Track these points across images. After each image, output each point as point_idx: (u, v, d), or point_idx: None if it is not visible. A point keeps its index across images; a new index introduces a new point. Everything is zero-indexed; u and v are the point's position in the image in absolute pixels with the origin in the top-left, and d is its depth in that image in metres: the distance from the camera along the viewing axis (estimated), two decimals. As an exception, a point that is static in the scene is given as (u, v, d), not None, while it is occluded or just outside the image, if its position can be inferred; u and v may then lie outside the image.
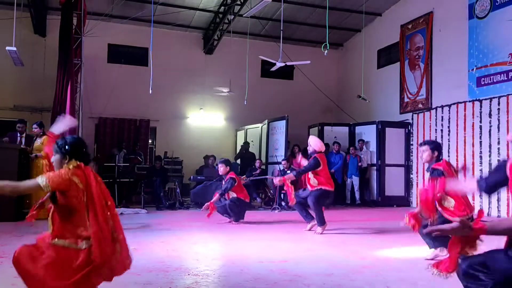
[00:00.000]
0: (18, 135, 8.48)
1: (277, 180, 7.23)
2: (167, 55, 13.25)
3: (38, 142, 7.90)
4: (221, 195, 7.80)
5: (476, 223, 2.08)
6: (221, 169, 8.04)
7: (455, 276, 3.91)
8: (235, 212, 7.83)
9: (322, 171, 6.68)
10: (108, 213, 2.79)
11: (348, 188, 12.12)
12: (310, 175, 6.70)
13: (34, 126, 8.10)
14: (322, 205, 6.66)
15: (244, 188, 8.21)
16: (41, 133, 7.95)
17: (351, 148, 12.10)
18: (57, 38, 10.69)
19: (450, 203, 4.42)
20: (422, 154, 4.76)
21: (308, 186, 6.78)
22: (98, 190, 2.78)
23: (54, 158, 2.88)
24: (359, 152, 12.14)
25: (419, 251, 5.32)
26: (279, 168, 11.00)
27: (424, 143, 4.83)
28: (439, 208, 4.47)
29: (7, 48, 9.16)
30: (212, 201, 7.71)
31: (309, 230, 6.79)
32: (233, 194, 7.86)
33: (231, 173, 7.95)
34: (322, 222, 6.59)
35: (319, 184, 6.63)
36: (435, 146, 4.72)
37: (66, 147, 2.86)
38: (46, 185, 2.65)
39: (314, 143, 6.90)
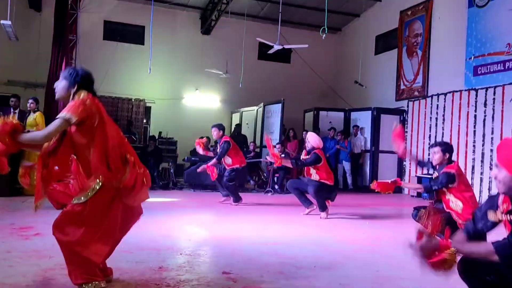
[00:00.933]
0: (11, 110, 8.40)
1: (270, 158, 7.05)
2: (164, 34, 13.11)
3: (31, 117, 7.84)
4: (218, 160, 7.62)
5: (441, 242, 2.25)
6: (214, 133, 7.84)
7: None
8: (233, 190, 7.73)
9: (322, 167, 6.67)
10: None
11: (340, 173, 12.19)
12: (312, 170, 6.69)
13: (30, 101, 8.03)
14: (323, 196, 6.64)
15: (240, 151, 8.03)
16: (36, 109, 7.89)
17: (338, 134, 12.13)
18: (53, 13, 10.54)
19: (458, 206, 4.40)
20: (433, 156, 4.68)
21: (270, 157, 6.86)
22: (108, 118, 2.80)
23: (60, 85, 2.82)
24: (354, 138, 12.17)
25: (409, 236, 5.39)
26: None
27: (436, 144, 4.73)
28: (447, 210, 4.44)
29: (2, 22, 9.02)
30: (208, 164, 7.67)
31: (307, 214, 6.80)
32: (228, 160, 7.71)
33: (225, 137, 7.80)
34: (323, 207, 6.60)
35: (320, 179, 6.63)
36: (447, 148, 4.62)
37: (77, 76, 2.82)
38: (70, 116, 2.60)
39: (313, 139, 6.87)
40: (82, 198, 2.66)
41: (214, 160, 7.68)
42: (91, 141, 2.70)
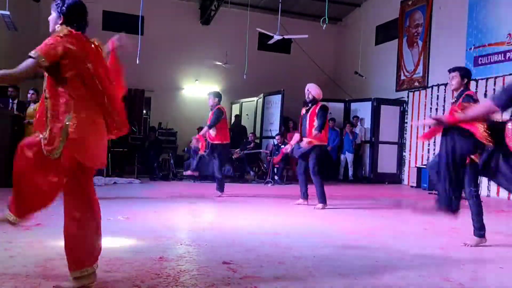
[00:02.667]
0: (10, 100, 8.39)
1: (305, 143, 6.50)
2: (163, 25, 13.06)
3: (31, 108, 7.83)
4: (209, 127, 7.44)
5: (448, 117, 2.80)
6: (210, 100, 7.72)
7: (441, 253, 3.99)
8: (219, 179, 7.56)
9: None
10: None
11: (342, 164, 12.19)
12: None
13: (31, 92, 8.04)
14: (321, 170, 6.51)
15: (227, 128, 7.82)
16: (36, 100, 7.88)
17: (347, 125, 12.12)
18: (51, 3, 10.47)
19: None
20: (450, 81, 4.48)
21: (305, 140, 6.47)
22: (97, 60, 2.61)
23: (51, 17, 2.65)
24: (355, 128, 12.17)
25: (408, 227, 5.40)
26: (273, 143, 11.03)
27: (454, 69, 4.53)
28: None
29: (0, 12, 8.98)
30: (200, 134, 7.60)
31: (297, 204, 6.77)
32: (212, 132, 7.45)
33: (219, 106, 7.63)
34: (323, 199, 6.51)
35: (321, 140, 6.47)
36: (465, 73, 4.45)
37: (63, 6, 2.61)
38: (39, 56, 2.39)
39: (314, 90, 6.70)
40: None
41: (205, 128, 7.49)
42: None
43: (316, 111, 6.59)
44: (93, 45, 2.69)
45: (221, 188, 7.58)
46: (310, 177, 6.63)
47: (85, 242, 2.63)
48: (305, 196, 6.84)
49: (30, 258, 3.21)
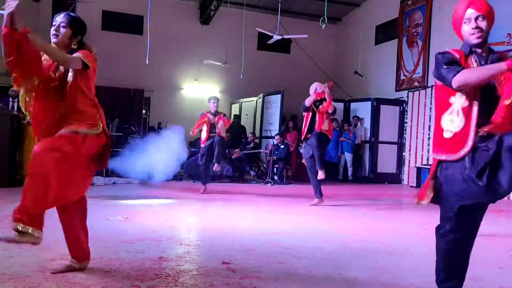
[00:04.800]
0: (10, 99, 8.39)
1: (323, 87, 6.89)
2: (162, 24, 13.04)
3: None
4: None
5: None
6: (214, 105, 8.09)
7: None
8: (205, 170, 7.93)
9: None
10: None
11: (341, 164, 12.20)
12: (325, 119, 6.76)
13: None
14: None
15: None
16: None
17: (345, 125, 12.12)
18: (50, 3, 10.47)
19: None
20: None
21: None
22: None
23: (63, 31, 2.75)
24: (353, 128, 12.17)
25: (408, 227, 5.40)
26: (273, 143, 11.03)
27: None
28: None
29: (0, 12, 8.97)
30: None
31: (313, 205, 6.73)
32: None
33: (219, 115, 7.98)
34: (319, 193, 6.63)
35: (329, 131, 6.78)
36: None
37: (81, 25, 2.81)
38: (87, 61, 2.65)
39: (320, 88, 6.93)
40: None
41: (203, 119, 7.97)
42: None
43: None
44: None
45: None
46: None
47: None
48: (319, 193, 6.81)
49: (29, 258, 3.20)
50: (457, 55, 2.31)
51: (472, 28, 2.22)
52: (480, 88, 2.18)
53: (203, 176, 8.04)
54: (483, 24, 2.19)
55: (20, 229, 2.37)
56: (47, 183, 2.43)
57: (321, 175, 6.53)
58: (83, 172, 2.74)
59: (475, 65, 2.27)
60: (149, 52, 9.50)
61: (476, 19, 2.21)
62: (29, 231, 2.37)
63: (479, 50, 2.28)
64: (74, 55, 2.65)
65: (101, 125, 2.78)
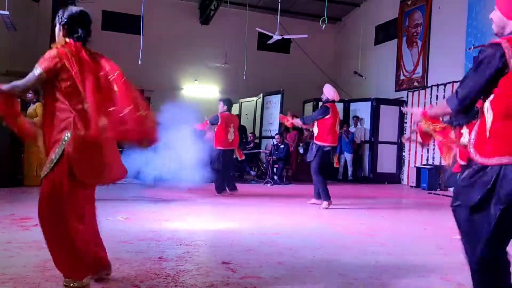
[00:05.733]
0: None
1: (284, 119, 7.04)
2: (162, 24, 13.06)
3: (31, 108, 7.83)
4: (211, 123, 7.73)
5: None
6: (219, 107, 7.98)
7: (440, 253, 3.98)
8: (217, 179, 7.78)
9: (328, 121, 6.61)
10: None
11: (341, 164, 12.19)
12: (315, 128, 6.63)
13: (29, 92, 8.04)
14: (322, 173, 6.60)
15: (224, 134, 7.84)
16: (35, 100, 7.88)
17: (344, 125, 12.12)
18: (50, 3, 10.47)
19: None
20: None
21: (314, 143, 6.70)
22: (91, 70, 2.57)
23: (56, 29, 2.67)
24: (352, 128, 12.17)
25: (408, 227, 5.41)
26: (273, 143, 11.03)
27: None
28: None
29: (0, 11, 8.97)
30: (199, 124, 7.72)
31: (311, 204, 6.77)
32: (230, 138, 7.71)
33: (224, 113, 7.86)
34: (327, 196, 6.56)
35: (316, 138, 6.58)
36: None
37: (62, 16, 2.61)
38: (39, 71, 2.46)
39: (327, 91, 6.79)
40: None
41: (207, 123, 7.76)
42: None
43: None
44: (90, 56, 2.65)
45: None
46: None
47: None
48: (318, 195, 6.81)
49: (29, 258, 3.21)
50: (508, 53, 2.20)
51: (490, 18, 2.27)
52: None
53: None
54: (494, 15, 2.20)
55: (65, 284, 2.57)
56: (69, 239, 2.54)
57: (325, 205, 6.55)
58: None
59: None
60: (144, 51, 9.50)
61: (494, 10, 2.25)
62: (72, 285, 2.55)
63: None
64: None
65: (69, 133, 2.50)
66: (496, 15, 2.20)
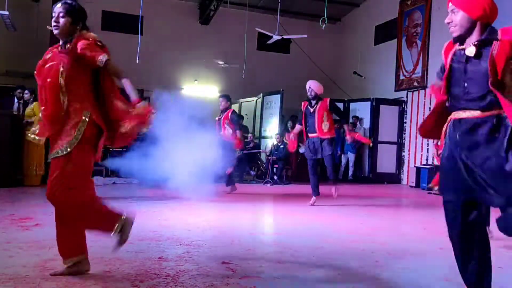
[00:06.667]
0: (16, 100, 8.45)
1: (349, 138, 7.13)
2: (162, 24, 13.06)
3: (29, 108, 7.85)
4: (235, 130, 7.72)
5: None
6: (222, 103, 7.92)
7: (440, 253, 3.97)
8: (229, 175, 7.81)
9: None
10: None
11: (343, 164, 12.20)
12: (325, 123, 6.64)
13: (26, 92, 8.09)
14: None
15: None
16: (32, 99, 7.92)
17: (350, 125, 12.11)
18: (50, 3, 10.45)
19: None
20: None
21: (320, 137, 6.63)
22: None
23: (62, 21, 2.77)
24: (355, 128, 12.17)
25: (408, 227, 5.41)
26: (273, 143, 11.04)
27: None
28: None
29: (0, 12, 8.98)
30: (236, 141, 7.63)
31: (312, 205, 6.73)
32: (229, 131, 7.69)
33: (231, 109, 7.90)
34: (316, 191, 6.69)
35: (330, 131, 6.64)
36: None
37: (81, 13, 2.84)
38: (108, 58, 2.76)
39: (316, 86, 6.79)
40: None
41: (238, 134, 7.73)
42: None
43: (328, 107, 6.69)
44: None
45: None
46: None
47: None
48: (318, 193, 6.81)
49: (29, 258, 3.21)
50: (443, 53, 2.34)
51: (446, 22, 2.23)
52: None
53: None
54: (455, 17, 2.17)
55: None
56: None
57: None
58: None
59: (450, 58, 2.26)
60: (144, 51, 9.52)
61: (451, 12, 2.21)
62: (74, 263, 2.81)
63: (459, 44, 2.25)
64: (100, 58, 2.72)
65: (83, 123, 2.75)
66: (458, 17, 2.18)
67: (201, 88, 14.22)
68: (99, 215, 2.87)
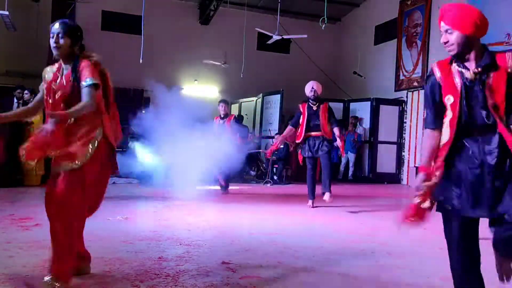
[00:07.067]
0: (15, 100, 8.45)
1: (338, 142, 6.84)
2: (162, 24, 13.04)
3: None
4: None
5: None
6: (223, 108, 8.02)
7: (440, 253, 3.98)
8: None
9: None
10: None
11: (343, 164, 12.19)
12: (328, 124, 6.71)
13: (25, 92, 8.10)
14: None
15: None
16: (31, 100, 7.93)
17: (349, 125, 12.14)
18: (50, 3, 10.48)
19: None
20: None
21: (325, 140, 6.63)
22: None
23: (62, 41, 2.75)
24: (356, 129, 12.19)
25: (407, 227, 5.40)
26: (272, 143, 11.03)
27: None
28: None
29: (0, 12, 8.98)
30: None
31: (312, 207, 6.66)
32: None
33: (232, 115, 8.01)
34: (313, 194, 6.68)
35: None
36: None
37: (80, 32, 2.83)
38: (95, 82, 2.70)
39: (319, 87, 6.86)
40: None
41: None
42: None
43: (328, 110, 6.78)
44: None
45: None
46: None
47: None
48: (314, 196, 6.77)
49: (29, 258, 3.21)
50: (437, 75, 2.32)
51: (443, 42, 2.25)
52: None
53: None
54: (451, 37, 2.19)
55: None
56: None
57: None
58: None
59: (456, 73, 2.26)
60: (144, 51, 9.52)
61: (446, 32, 2.23)
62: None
63: (460, 62, 2.26)
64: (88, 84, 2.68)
65: (97, 137, 2.77)
66: (454, 36, 2.17)
67: (201, 88, 14.22)
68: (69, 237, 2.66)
